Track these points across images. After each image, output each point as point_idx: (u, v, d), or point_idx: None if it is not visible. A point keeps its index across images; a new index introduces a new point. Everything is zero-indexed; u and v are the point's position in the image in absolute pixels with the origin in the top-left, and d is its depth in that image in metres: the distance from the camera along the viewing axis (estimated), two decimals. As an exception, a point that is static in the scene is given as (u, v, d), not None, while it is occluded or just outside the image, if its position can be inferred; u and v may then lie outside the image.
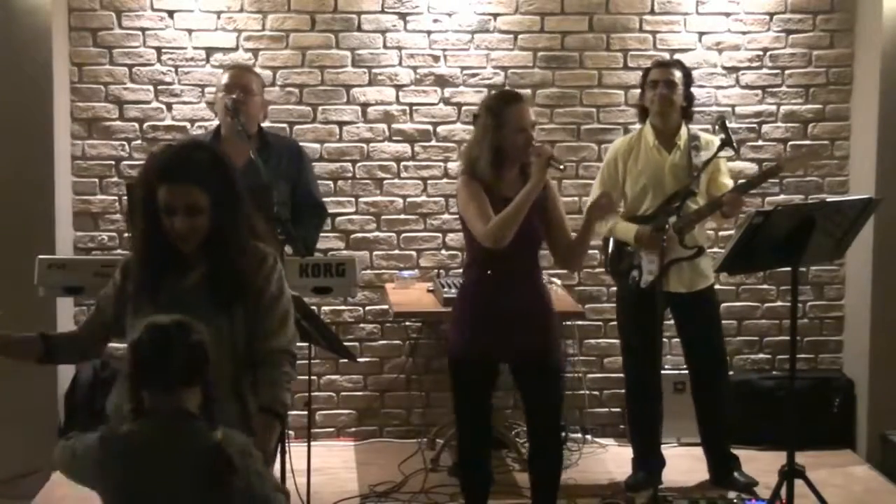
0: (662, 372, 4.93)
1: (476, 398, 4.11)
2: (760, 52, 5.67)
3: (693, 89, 4.95)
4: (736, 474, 4.96)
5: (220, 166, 3.05)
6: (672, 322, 5.08)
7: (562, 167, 3.89)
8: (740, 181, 4.87)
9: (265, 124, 5.41)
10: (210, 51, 5.44)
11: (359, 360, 5.51)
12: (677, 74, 4.80)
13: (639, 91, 4.99)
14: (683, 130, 4.81)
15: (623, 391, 5.69)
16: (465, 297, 4.14)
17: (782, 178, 5.56)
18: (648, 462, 4.89)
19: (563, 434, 5.49)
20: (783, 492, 4.10)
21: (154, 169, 3.02)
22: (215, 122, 4.85)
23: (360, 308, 5.66)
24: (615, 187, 4.87)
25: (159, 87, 5.45)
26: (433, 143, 5.61)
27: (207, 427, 2.64)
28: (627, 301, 4.93)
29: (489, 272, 4.01)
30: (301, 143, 5.51)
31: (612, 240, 4.91)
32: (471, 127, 5.31)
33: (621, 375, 5.71)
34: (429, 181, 5.61)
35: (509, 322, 3.96)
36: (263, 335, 3.05)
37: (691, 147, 4.75)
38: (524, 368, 4.08)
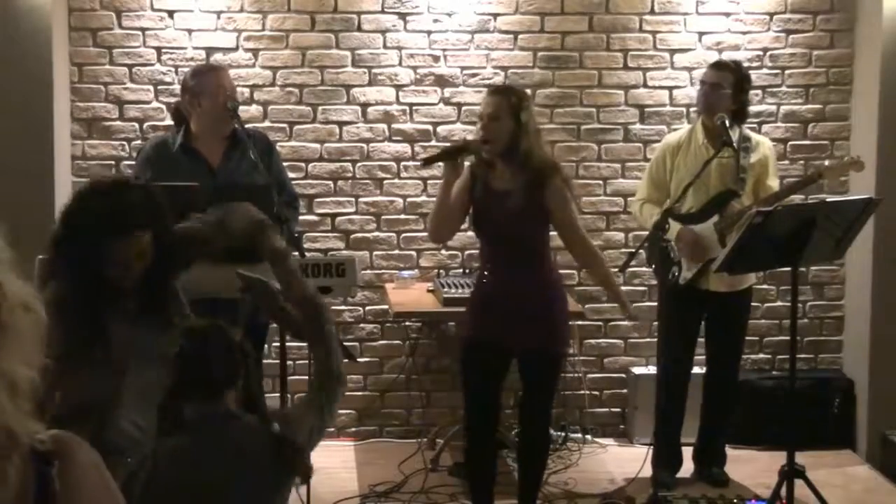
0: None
1: (482, 383, 4.23)
2: (760, 52, 5.67)
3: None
4: (716, 470, 5.06)
5: (157, 204, 2.97)
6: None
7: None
8: (777, 189, 4.80)
9: (266, 123, 5.46)
10: (210, 51, 5.44)
11: (359, 360, 5.51)
12: (726, 77, 4.78)
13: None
14: (734, 131, 4.71)
15: (624, 391, 5.72)
16: (477, 286, 4.36)
17: (783, 177, 5.55)
18: (672, 461, 4.95)
19: (564, 433, 5.55)
20: (783, 492, 4.10)
21: (96, 224, 2.85)
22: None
23: (360, 308, 5.66)
24: (662, 183, 4.91)
25: (159, 87, 5.45)
26: (433, 143, 5.60)
27: (261, 421, 2.61)
28: (667, 297, 4.93)
29: (490, 264, 4.23)
30: (300, 143, 5.54)
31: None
32: (471, 127, 5.32)
33: (622, 375, 5.74)
34: (429, 181, 5.61)
35: (512, 313, 4.11)
36: None
37: (741, 148, 4.73)
38: (527, 358, 4.21)
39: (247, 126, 4.49)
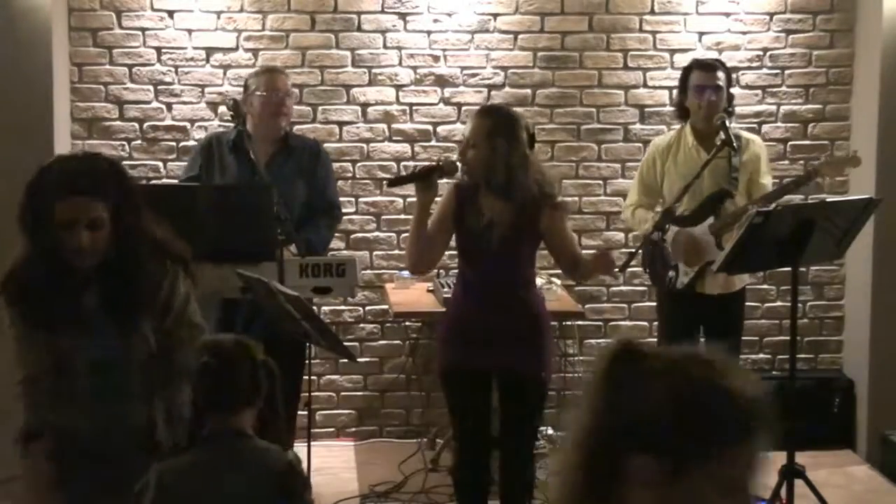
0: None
1: (468, 409, 4.01)
2: (760, 52, 5.67)
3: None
4: None
5: (119, 177, 2.81)
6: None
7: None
8: (771, 189, 4.71)
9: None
10: (210, 51, 5.44)
11: (359, 360, 5.50)
12: (721, 77, 4.68)
13: (676, 91, 4.87)
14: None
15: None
16: (449, 309, 4.17)
17: (782, 176, 5.56)
18: None
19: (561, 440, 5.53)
20: (783, 492, 4.10)
21: (53, 181, 2.72)
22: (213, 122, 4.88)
23: (360, 308, 5.66)
24: (653, 187, 4.85)
25: (159, 87, 5.45)
26: (433, 143, 5.61)
27: (277, 447, 2.61)
28: (664, 302, 4.91)
29: (468, 284, 3.97)
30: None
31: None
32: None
33: (621, 375, 5.73)
34: (429, 181, 5.61)
35: (490, 335, 3.87)
36: (174, 349, 2.85)
37: (733, 147, 4.69)
38: (505, 385, 3.98)
39: (297, 131, 4.61)
